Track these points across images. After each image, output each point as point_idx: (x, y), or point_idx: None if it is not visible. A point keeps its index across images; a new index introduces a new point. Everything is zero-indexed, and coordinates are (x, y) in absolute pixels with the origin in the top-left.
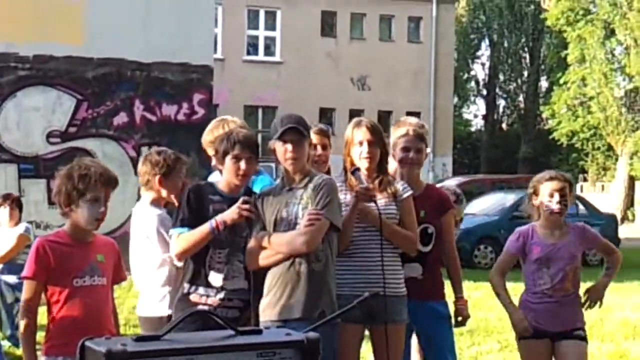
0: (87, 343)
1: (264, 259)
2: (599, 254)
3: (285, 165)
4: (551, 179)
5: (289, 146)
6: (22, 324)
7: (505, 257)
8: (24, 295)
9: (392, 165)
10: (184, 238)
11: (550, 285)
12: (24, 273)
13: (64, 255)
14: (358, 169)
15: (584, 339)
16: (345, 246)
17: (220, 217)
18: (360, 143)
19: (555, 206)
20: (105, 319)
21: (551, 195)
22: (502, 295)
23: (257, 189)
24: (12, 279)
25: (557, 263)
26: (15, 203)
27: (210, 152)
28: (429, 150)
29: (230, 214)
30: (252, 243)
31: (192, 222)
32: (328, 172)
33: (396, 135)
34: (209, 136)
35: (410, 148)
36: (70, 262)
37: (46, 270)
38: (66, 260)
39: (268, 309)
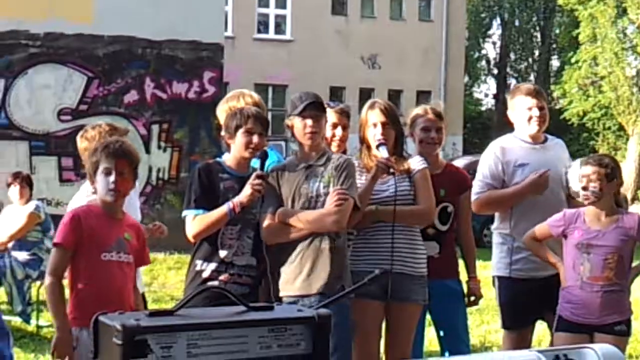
0: (101, 318)
1: (285, 234)
2: None
3: (303, 141)
4: (586, 164)
5: (309, 121)
6: (48, 288)
7: (542, 230)
8: (52, 260)
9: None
10: (200, 220)
11: (590, 274)
12: (56, 239)
13: (96, 227)
14: (384, 144)
15: (626, 333)
16: (359, 219)
17: (237, 199)
18: (375, 125)
19: (581, 192)
20: (127, 296)
21: (580, 181)
22: (543, 253)
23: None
24: (23, 255)
25: (598, 250)
26: (25, 181)
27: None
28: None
29: (245, 194)
30: (269, 218)
31: (205, 203)
32: (344, 152)
33: (414, 114)
34: (224, 106)
35: (430, 128)
36: (100, 235)
37: (78, 239)
38: (97, 233)
39: (288, 284)
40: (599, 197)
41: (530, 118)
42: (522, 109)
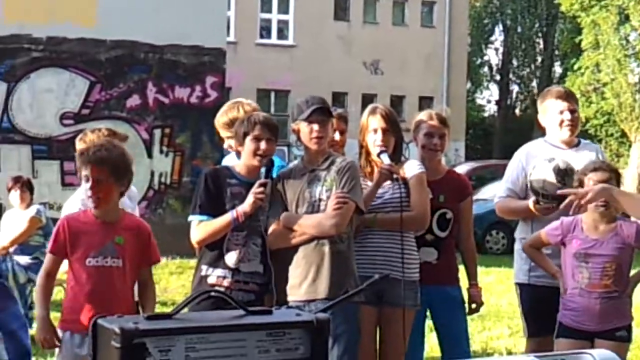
0: (100, 321)
1: (288, 239)
2: None
3: (309, 145)
4: (595, 169)
5: (316, 126)
6: (37, 286)
7: (539, 238)
8: (44, 263)
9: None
10: (204, 226)
11: (589, 282)
12: (49, 246)
13: (80, 234)
14: (385, 150)
15: (627, 339)
16: (365, 226)
17: (241, 208)
18: (375, 131)
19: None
20: (116, 300)
21: None
22: (541, 261)
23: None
24: (25, 259)
25: (596, 259)
26: (26, 185)
27: (224, 133)
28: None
29: (248, 203)
30: (274, 223)
31: (210, 208)
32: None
33: (419, 119)
34: (223, 118)
35: (434, 134)
36: (85, 241)
37: (62, 247)
38: (81, 239)
39: (293, 289)
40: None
41: (562, 122)
42: (553, 112)
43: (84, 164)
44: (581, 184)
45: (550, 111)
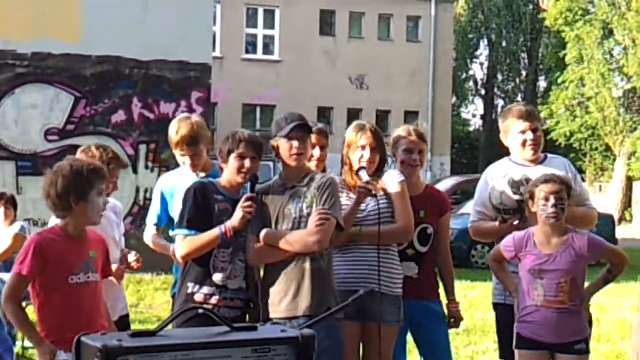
0: (83, 338)
1: (268, 256)
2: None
3: (289, 162)
4: (546, 181)
5: (295, 142)
6: (12, 313)
7: (498, 252)
8: (13, 286)
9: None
10: (190, 241)
11: (544, 298)
12: (18, 269)
13: (61, 253)
14: (363, 167)
15: (585, 351)
16: (344, 242)
17: (229, 223)
18: (363, 147)
19: (550, 210)
20: (97, 314)
21: (546, 199)
22: (502, 276)
23: None
24: (8, 276)
25: (551, 274)
26: (10, 202)
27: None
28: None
29: (237, 218)
30: (254, 240)
31: (197, 223)
32: (324, 171)
33: (397, 135)
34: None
35: (412, 149)
36: (66, 260)
37: (42, 268)
38: (63, 258)
39: (274, 306)
40: (563, 215)
41: (524, 142)
42: (514, 132)
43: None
44: (532, 196)
45: (512, 131)
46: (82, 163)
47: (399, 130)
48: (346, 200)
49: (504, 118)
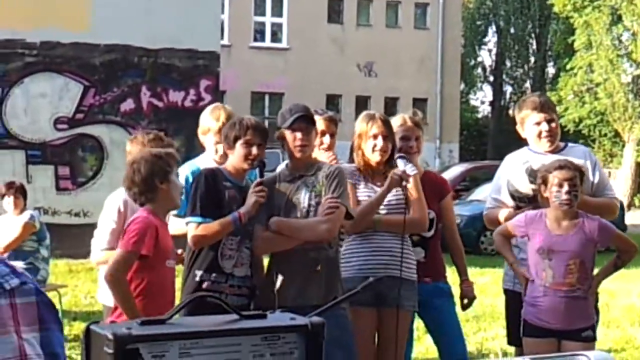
0: (92, 327)
1: (277, 244)
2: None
3: (294, 153)
4: (560, 167)
5: (299, 134)
6: (120, 289)
7: (507, 230)
8: (121, 263)
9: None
10: (204, 229)
11: (553, 280)
12: (133, 248)
13: (163, 237)
14: (403, 157)
15: (592, 339)
16: (368, 228)
17: (244, 209)
18: (375, 136)
19: (564, 197)
20: (174, 300)
21: (560, 185)
22: (504, 251)
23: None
24: (19, 265)
25: (560, 256)
26: (19, 191)
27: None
28: (427, 137)
29: (250, 203)
30: (261, 229)
31: (210, 211)
32: (335, 160)
33: (392, 124)
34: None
35: (410, 137)
36: (165, 244)
37: (153, 249)
38: (164, 242)
39: (282, 295)
40: (576, 201)
41: (539, 133)
42: (529, 124)
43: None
44: (545, 182)
45: (527, 123)
46: (159, 149)
47: (394, 119)
48: (364, 189)
49: (519, 110)
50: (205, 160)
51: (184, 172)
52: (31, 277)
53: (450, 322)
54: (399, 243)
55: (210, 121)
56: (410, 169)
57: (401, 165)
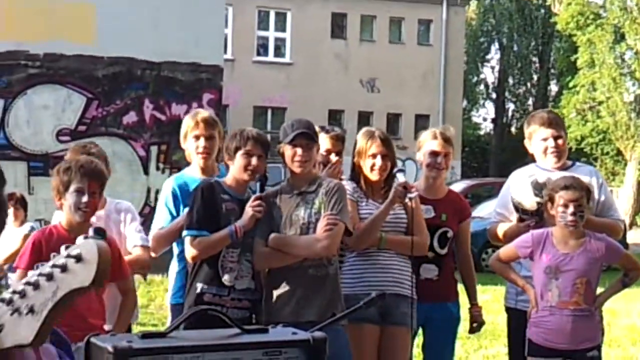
0: (93, 339)
1: (276, 260)
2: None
3: (293, 168)
4: (566, 187)
5: (299, 150)
6: None
7: (509, 252)
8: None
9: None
10: (201, 242)
11: (559, 299)
12: (17, 263)
13: (58, 249)
14: (401, 170)
15: (598, 359)
16: (372, 244)
17: (240, 223)
18: (374, 155)
19: (569, 218)
20: (90, 315)
21: (566, 206)
22: (509, 275)
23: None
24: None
25: (566, 275)
26: (19, 202)
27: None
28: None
29: (247, 218)
30: (261, 244)
31: (207, 224)
32: (340, 177)
33: (423, 138)
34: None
35: (439, 153)
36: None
37: (39, 263)
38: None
39: (280, 311)
40: (582, 221)
41: (546, 149)
42: (537, 140)
43: (81, 177)
44: (551, 201)
45: (535, 138)
46: (61, 164)
47: (425, 133)
48: (367, 206)
49: (528, 125)
50: (192, 170)
51: (170, 185)
52: None
53: (446, 348)
54: (402, 261)
55: (187, 121)
56: (411, 193)
57: (401, 178)
